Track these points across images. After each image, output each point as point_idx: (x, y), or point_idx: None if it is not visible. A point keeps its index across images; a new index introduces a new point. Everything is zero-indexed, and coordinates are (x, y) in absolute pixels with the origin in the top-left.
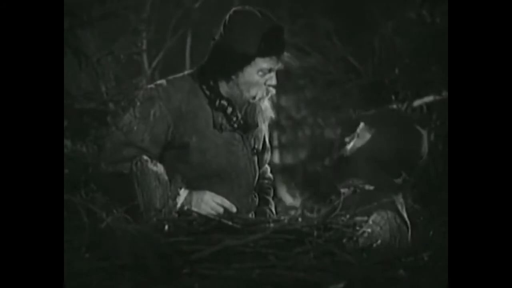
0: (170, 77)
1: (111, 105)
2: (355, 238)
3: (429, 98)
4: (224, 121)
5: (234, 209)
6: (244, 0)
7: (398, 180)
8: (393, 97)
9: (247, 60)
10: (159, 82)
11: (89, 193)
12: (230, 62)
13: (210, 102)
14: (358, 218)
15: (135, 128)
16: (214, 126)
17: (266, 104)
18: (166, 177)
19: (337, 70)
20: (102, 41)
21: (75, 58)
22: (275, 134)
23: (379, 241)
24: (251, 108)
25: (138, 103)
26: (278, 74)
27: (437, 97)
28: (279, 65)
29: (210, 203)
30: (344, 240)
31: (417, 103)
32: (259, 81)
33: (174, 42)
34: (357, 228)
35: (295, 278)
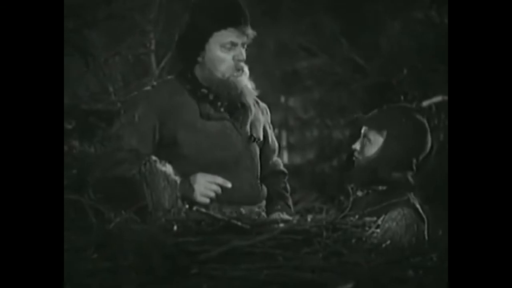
0: (154, 83)
1: (119, 106)
2: (364, 239)
3: (437, 98)
4: (212, 111)
5: (229, 185)
6: (249, 2)
7: (411, 173)
8: (401, 98)
9: (204, 36)
10: (143, 88)
11: (97, 193)
12: (191, 44)
13: (192, 94)
14: (367, 219)
15: (122, 134)
16: (201, 116)
17: (245, 83)
18: (174, 177)
19: (344, 71)
20: (109, 42)
21: (82, 58)
22: (283, 135)
23: (388, 242)
24: (223, 85)
25: (122, 112)
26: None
27: (446, 97)
28: (244, 39)
29: (203, 182)
30: (353, 241)
31: (425, 103)
32: (226, 57)
33: None
34: (366, 228)
35: (303, 278)
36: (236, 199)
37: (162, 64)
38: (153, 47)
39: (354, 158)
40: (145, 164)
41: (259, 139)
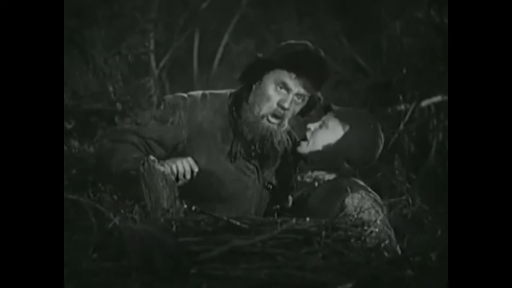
0: (210, 91)
1: (118, 105)
2: (363, 238)
3: (437, 98)
4: (242, 150)
5: (196, 169)
6: (251, 2)
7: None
8: (400, 97)
9: (267, 67)
10: (193, 92)
11: (96, 193)
12: (254, 70)
13: (234, 124)
14: (366, 218)
15: (148, 124)
16: (229, 154)
17: (283, 135)
18: (173, 178)
19: (345, 70)
20: (109, 41)
21: (82, 58)
22: None
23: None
24: (268, 133)
25: (162, 107)
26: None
27: (445, 97)
28: (299, 89)
29: (175, 160)
30: (352, 240)
31: (425, 103)
32: (272, 98)
33: (181, 42)
34: (365, 228)
35: (303, 278)
36: None
37: (162, 64)
38: (152, 46)
39: (306, 137)
40: (143, 164)
41: (274, 186)
